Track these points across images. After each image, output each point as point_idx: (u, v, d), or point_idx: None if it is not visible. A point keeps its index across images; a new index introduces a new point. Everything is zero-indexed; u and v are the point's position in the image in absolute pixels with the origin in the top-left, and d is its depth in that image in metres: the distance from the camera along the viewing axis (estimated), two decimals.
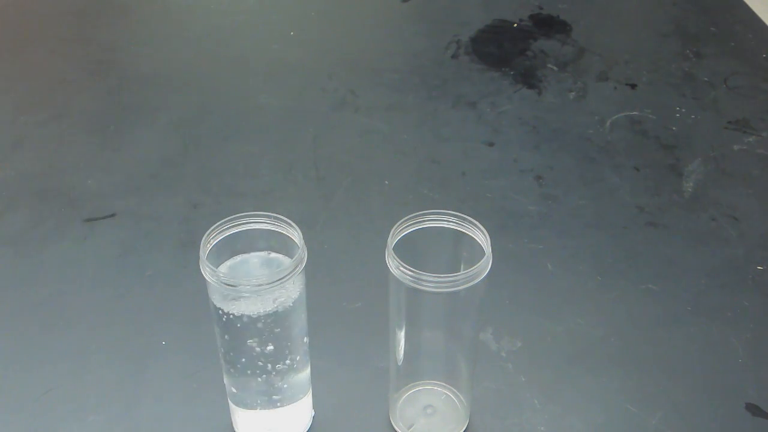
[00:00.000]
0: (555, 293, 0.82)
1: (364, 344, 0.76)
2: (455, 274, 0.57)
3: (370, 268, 0.83)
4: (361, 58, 1.20)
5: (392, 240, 0.60)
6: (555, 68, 1.17)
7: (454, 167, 0.99)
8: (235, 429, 0.68)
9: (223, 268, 0.61)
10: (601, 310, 0.80)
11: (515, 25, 1.28)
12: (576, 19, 1.29)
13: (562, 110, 1.09)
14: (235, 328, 0.60)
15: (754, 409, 0.71)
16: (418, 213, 0.62)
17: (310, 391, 0.68)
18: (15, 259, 0.86)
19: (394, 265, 0.58)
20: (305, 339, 0.64)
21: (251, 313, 0.59)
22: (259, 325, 0.60)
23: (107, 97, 1.12)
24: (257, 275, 0.58)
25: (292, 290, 0.60)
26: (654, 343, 0.77)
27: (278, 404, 0.66)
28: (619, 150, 1.01)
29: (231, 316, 0.59)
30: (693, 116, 1.08)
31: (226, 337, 0.62)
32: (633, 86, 1.14)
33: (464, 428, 0.69)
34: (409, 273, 0.57)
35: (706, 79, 1.15)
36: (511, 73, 1.16)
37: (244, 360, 0.63)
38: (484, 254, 0.59)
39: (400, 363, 0.66)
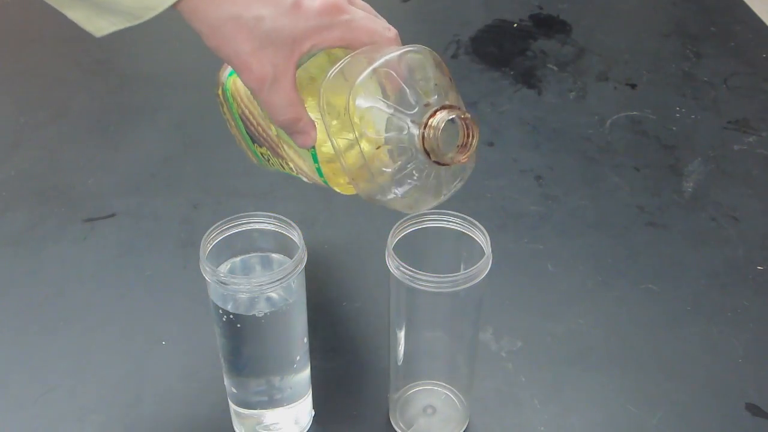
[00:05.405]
0: (555, 293, 0.82)
1: (364, 344, 0.76)
2: (455, 274, 0.57)
3: (370, 268, 0.83)
4: None
5: (392, 240, 0.60)
6: (555, 68, 1.17)
7: None
8: (235, 429, 0.68)
9: (223, 268, 0.61)
10: (601, 310, 0.80)
11: (515, 25, 1.28)
12: (576, 19, 1.29)
13: (562, 110, 1.09)
14: (235, 328, 0.60)
15: (754, 409, 0.71)
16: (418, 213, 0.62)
17: (310, 391, 0.68)
18: (15, 259, 0.86)
19: (394, 265, 0.58)
20: (305, 339, 0.64)
21: (251, 314, 0.59)
22: (259, 325, 0.60)
23: (107, 97, 1.12)
24: (257, 275, 0.58)
25: (292, 290, 0.60)
26: (654, 343, 0.77)
27: (278, 404, 0.66)
28: (619, 150, 1.01)
29: (231, 316, 0.59)
30: (693, 116, 1.07)
31: (226, 337, 0.62)
32: (633, 86, 1.14)
33: (464, 428, 0.69)
34: (409, 273, 0.57)
35: (706, 79, 1.15)
36: (511, 73, 1.16)
37: (243, 360, 0.63)
38: (484, 254, 0.59)
39: (400, 363, 0.66)
